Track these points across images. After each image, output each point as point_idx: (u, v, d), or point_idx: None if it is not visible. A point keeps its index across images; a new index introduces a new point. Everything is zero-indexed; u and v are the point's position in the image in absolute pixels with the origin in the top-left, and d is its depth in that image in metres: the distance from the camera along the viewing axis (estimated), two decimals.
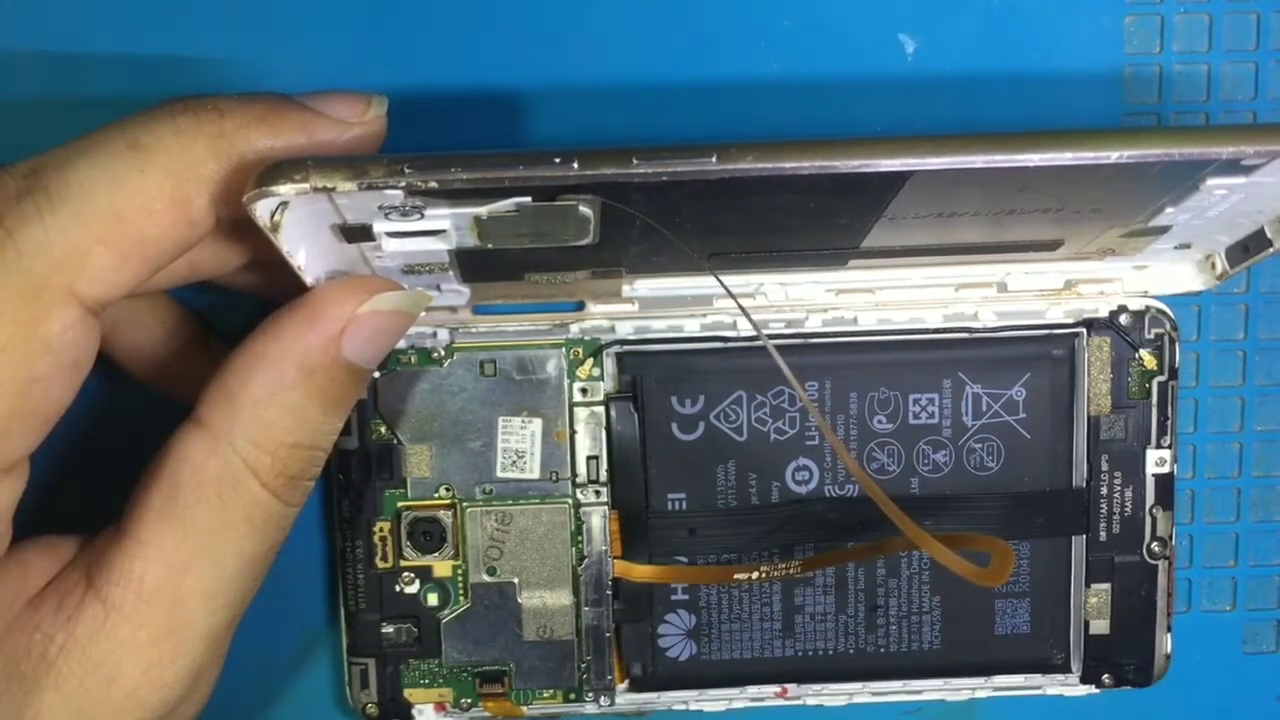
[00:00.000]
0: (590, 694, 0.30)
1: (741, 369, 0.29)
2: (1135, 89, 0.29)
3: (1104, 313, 0.29)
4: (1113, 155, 0.20)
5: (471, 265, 0.25)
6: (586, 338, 0.29)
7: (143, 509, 0.22)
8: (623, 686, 0.30)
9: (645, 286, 0.28)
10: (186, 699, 0.23)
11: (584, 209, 0.22)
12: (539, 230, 0.22)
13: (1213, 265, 0.28)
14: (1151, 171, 0.21)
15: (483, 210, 0.21)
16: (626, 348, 0.29)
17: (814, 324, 0.29)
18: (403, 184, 0.19)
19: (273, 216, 0.20)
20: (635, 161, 0.19)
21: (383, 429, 0.29)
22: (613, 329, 0.29)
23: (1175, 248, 0.27)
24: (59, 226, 0.20)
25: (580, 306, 0.29)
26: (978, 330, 0.29)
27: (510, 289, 0.27)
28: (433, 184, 0.19)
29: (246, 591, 0.23)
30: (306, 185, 0.19)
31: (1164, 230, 0.26)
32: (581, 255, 0.24)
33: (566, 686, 0.30)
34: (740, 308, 0.25)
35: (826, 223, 0.24)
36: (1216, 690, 0.32)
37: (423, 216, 0.21)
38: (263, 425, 0.22)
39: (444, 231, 0.22)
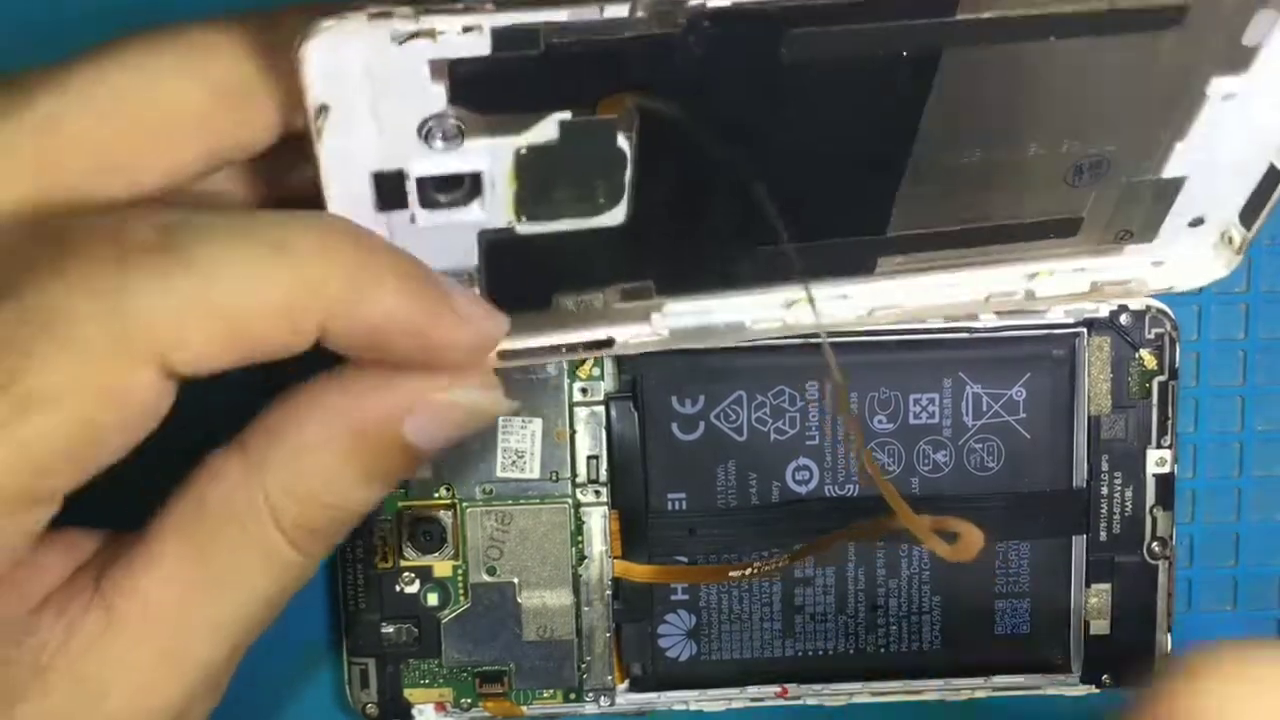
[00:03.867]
0: (590, 694, 0.30)
1: (742, 369, 0.29)
2: None
3: (1104, 313, 0.29)
4: None
5: (498, 277, 0.24)
6: (625, 354, 0.28)
7: (166, 522, 0.21)
8: (623, 686, 0.30)
9: (675, 310, 0.28)
10: None
11: (621, 139, 0.22)
12: (576, 181, 0.22)
13: (1229, 240, 0.27)
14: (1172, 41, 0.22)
15: (523, 140, 0.21)
16: (628, 345, 0.29)
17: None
18: (460, 6, 0.19)
19: (317, 120, 0.20)
20: None
21: None
22: None
23: (1190, 224, 0.27)
24: (176, 295, 0.19)
25: (610, 344, 0.27)
26: (978, 330, 0.29)
27: (538, 320, 0.27)
28: (489, 5, 0.19)
29: (252, 630, 0.23)
30: (362, 15, 0.19)
31: (1178, 187, 0.26)
32: (610, 254, 0.24)
33: (566, 687, 0.30)
34: (809, 296, 0.25)
35: (857, 169, 0.24)
36: None
37: (463, 143, 0.21)
38: (297, 474, 0.21)
39: (480, 181, 0.22)
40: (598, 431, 0.29)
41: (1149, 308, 0.29)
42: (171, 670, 0.21)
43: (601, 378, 0.29)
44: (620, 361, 0.29)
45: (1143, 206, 0.26)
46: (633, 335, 0.27)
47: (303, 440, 0.21)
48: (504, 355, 0.27)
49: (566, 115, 0.21)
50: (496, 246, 0.24)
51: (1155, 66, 0.23)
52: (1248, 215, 0.27)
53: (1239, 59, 0.23)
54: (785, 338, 0.28)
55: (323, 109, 0.20)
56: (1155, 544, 0.30)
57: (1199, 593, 0.32)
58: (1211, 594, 0.32)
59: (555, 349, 0.27)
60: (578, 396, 0.29)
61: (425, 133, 0.21)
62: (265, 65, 0.21)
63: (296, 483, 0.21)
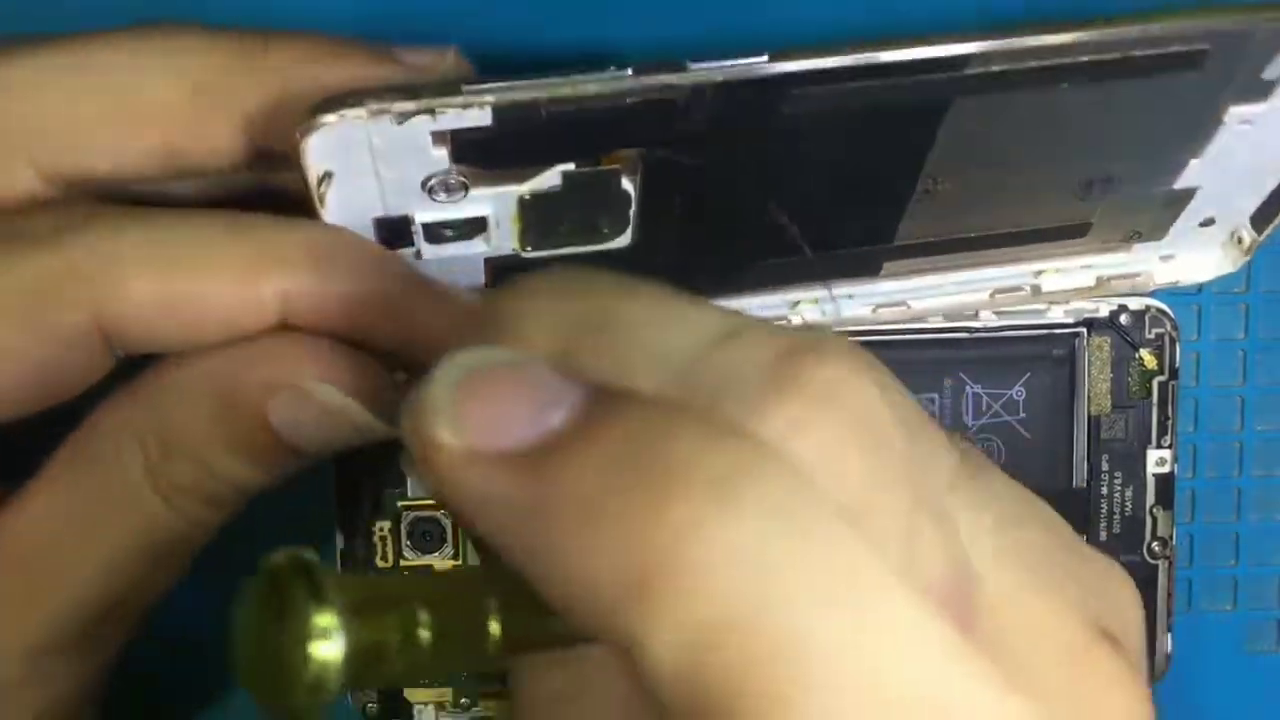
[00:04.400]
0: None
1: None
2: None
3: (1104, 312, 0.29)
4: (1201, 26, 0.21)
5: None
6: None
7: (48, 465, 0.21)
8: None
9: None
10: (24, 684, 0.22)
11: (625, 182, 0.22)
12: (579, 217, 0.22)
13: (1239, 240, 0.28)
14: (1192, 76, 0.22)
15: (526, 189, 0.21)
16: None
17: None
18: (459, 101, 0.19)
19: (319, 187, 0.20)
20: (690, 66, 0.20)
21: None
22: None
23: (1200, 224, 0.27)
24: (120, 241, 0.20)
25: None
26: (978, 330, 0.29)
27: None
28: (488, 100, 0.19)
29: (128, 583, 0.22)
30: (362, 110, 0.19)
31: (1190, 195, 0.26)
32: (617, 271, 0.24)
33: None
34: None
35: (865, 197, 0.24)
36: (1218, 690, 0.32)
37: (466, 195, 0.21)
38: (167, 423, 0.21)
39: (484, 222, 0.22)
40: None
41: (1149, 308, 0.29)
42: (33, 610, 0.21)
43: None
44: None
45: (1153, 213, 0.27)
46: None
47: (179, 390, 0.21)
48: None
49: (570, 167, 0.21)
50: (502, 270, 0.24)
51: (1171, 101, 0.23)
52: (1259, 220, 0.27)
53: (1258, 90, 0.23)
54: None
55: (325, 176, 0.20)
56: (1155, 544, 0.30)
57: (1199, 593, 0.31)
58: (1211, 594, 0.32)
59: None
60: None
61: (429, 188, 0.21)
62: (245, 85, 0.21)
63: (166, 431, 0.21)
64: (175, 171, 0.22)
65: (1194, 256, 0.28)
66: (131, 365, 0.22)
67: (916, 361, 0.29)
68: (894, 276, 0.27)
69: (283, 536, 0.30)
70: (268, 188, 0.23)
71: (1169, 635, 0.30)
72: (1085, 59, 0.21)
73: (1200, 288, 0.29)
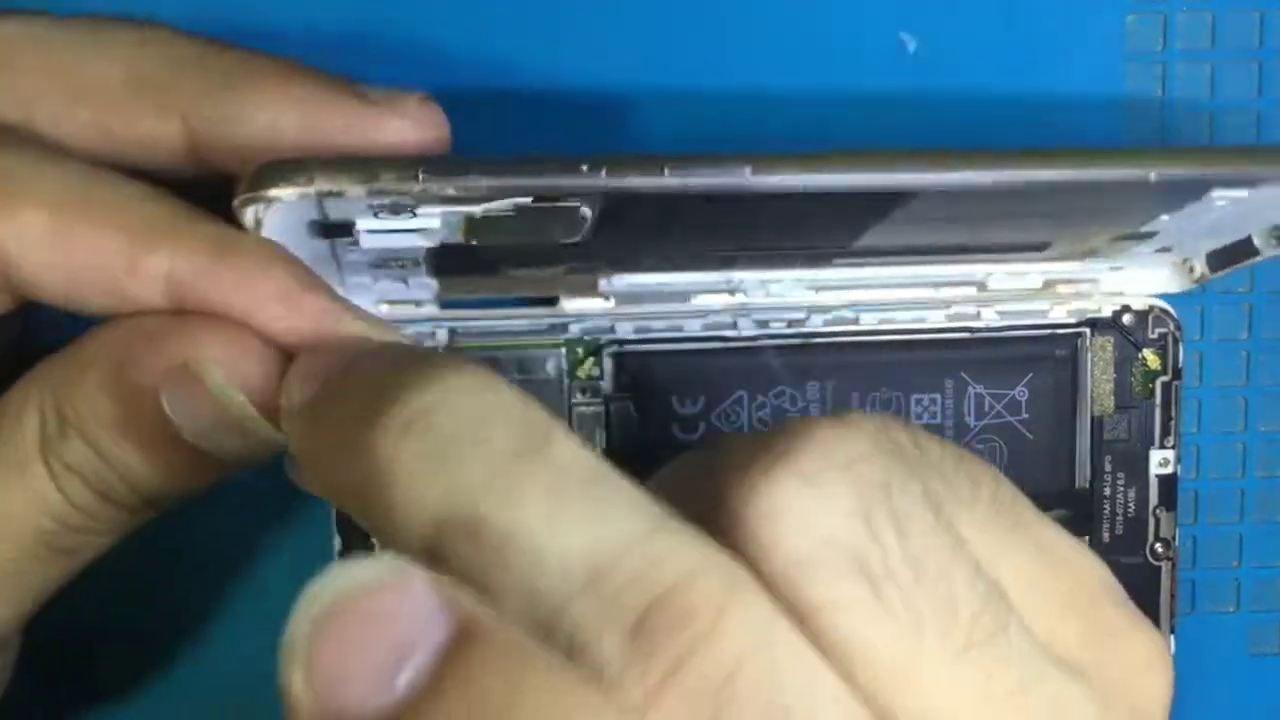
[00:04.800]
0: None
1: (742, 369, 0.29)
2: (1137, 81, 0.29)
3: (1107, 312, 0.29)
4: (1152, 174, 0.20)
5: (447, 261, 0.24)
6: (586, 337, 0.28)
7: None
8: None
9: (622, 282, 0.28)
10: None
11: (585, 210, 0.21)
12: (533, 228, 0.22)
13: (1190, 269, 0.28)
14: (1176, 187, 0.21)
15: (478, 209, 0.21)
16: (626, 347, 0.29)
17: (815, 324, 0.29)
18: (416, 189, 0.19)
19: (255, 214, 0.20)
20: (667, 172, 0.19)
21: None
22: (612, 329, 0.28)
23: (1156, 251, 0.27)
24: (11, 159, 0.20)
25: (554, 302, 0.28)
26: (980, 330, 0.29)
27: (482, 283, 0.27)
28: (449, 191, 0.19)
29: (21, 573, 0.21)
30: (311, 189, 0.18)
31: (1152, 235, 0.26)
32: (565, 252, 0.24)
33: None
34: None
35: (824, 224, 0.24)
36: (1221, 692, 0.32)
37: (415, 215, 0.21)
38: (65, 393, 0.20)
39: (432, 230, 0.22)
40: (598, 432, 0.29)
41: (1152, 307, 0.29)
42: None
43: (601, 378, 0.29)
44: (620, 362, 0.29)
45: (1113, 245, 0.27)
46: (577, 299, 0.27)
47: (78, 357, 0.20)
48: (446, 306, 0.27)
49: (526, 201, 0.20)
50: (444, 250, 0.23)
51: (1146, 193, 0.22)
52: (1215, 262, 0.27)
53: (1244, 184, 0.22)
54: (783, 339, 0.29)
55: (269, 202, 0.19)
56: (1158, 545, 0.29)
57: (1202, 594, 0.31)
58: (1215, 596, 0.31)
59: (498, 302, 0.27)
60: (577, 397, 0.29)
61: (375, 210, 0.20)
62: (188, 85, 0.21)
63: (62, 402, 0.20)
64: (112, 155, 0.21)
65: (1143, 273, 0.28)
66: None
67: (918, 362, 0.29)
68: (843, 266, 0.28)
69: (282, 537, 0.30)
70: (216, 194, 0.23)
71: (1172, 637, 0.30)
72: (1053, 179, 0.21)
73: (1204, 288, 0.29)
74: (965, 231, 0.25)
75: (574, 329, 0.28)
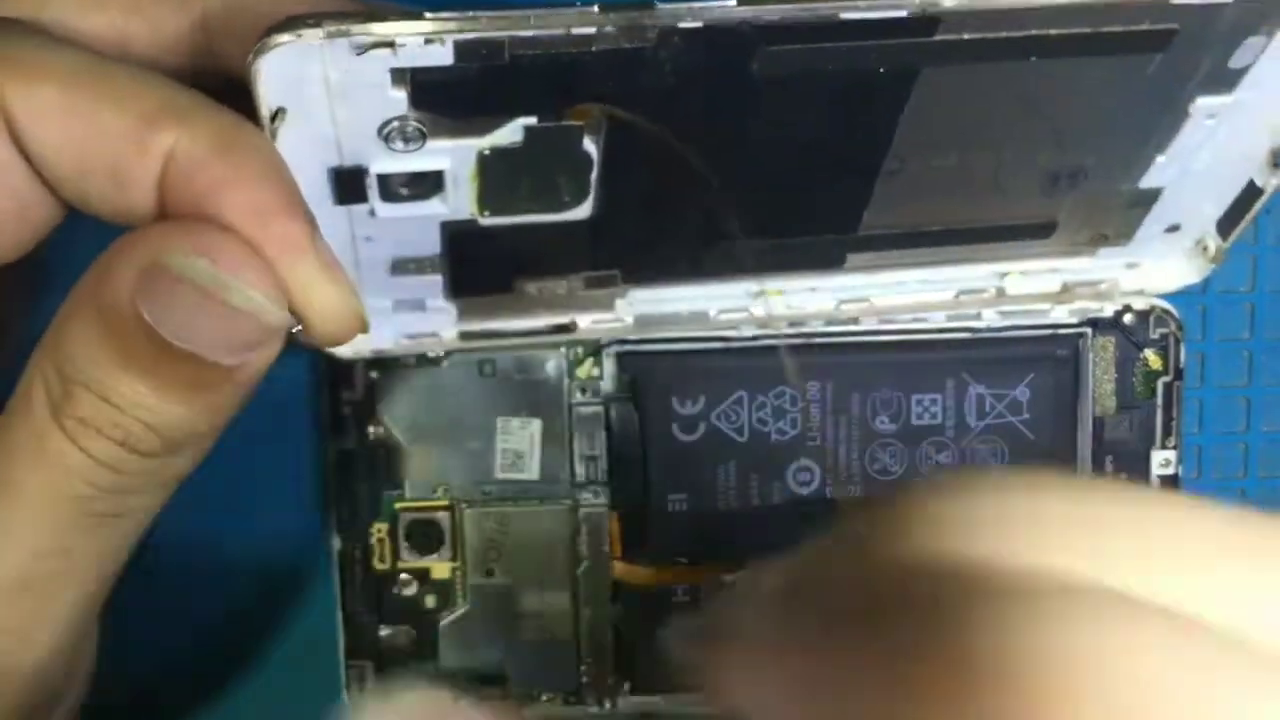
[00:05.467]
0: (590, 697, 0.30)
1: (743, 369, 0.29)
2: None
3: (1109, 313, 0.29)
4: None
5: (461, 265, 0.24)
6: (586, 337, 0.28)
7: None
8: (624, 689, 0.30)
9: (641, 298, 0.27)
10: None
11: (588, 142, 0.21)
12: (539, 179, 0.22)
13: (1204, 248, 0.28)
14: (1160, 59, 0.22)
15: (486, 142, 0.21)
16: (626, 348, 0.28)
17: (816, 324, 0.28)
18: (420, 28, 0.19)
19: (272, 123, 0.20)
20: (657, 5, 0.19)
21: (380, 430, 0.29)
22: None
23: (1166, 230, 0.27)
24: (29, 47, 0.20)
25: (571, 329, 0.27)
26: (981, 330, 0.29)
27: (499, 303, 0.26)
28: (451, 24, 0.19)
29: (41, 550, 0.20)
30: (319, 31, 0.18)
31: (1155, 196, 0.26)
32: (575, 246, 0.24)
33: (566, 689, 0.30)
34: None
35: (831, 171, 0.24)
36: None
37: (424, 145, 0.21)
38: (59, 352, 0.19)
39: (441, 178, 0.22)
40: (598, 432, 0.29)
41: (1153, 308, 0.29)
42: None
43: (601, 378, 0.29)
44: (620, 362, 0.29)
45: (1118, 213, 0.26)
46: (595, 320, 0.27)
47: (67, 311, 0.20)
48: (465, 336, 0.27)
49: (532, 121, 0.21)
50: (458, 236, 0.23)
51: (1139, 85, 0.23)
52: (1225, 226, 0.27)
53: (1225, 80, 0.23)
54: (782, 337, 0.28)
55: (279, 112, 0.19)
56: None
57: None
58: None
59: (516, 333, 0.27)
60: (577, 397, 0.29)
61: (386, 134, 0.20)
62: None
63: (61, 361, 0.19)
64: (125, 59, 0.21)
65: (1159, 264, 0.28)
66: None
67: (920, 362, 0.29)
68: (858, 270, 0.27)
69: (281, 537, 0.30)
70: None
71: None
72: (1054, 32, 0.21)
73: (1205, 288, 0.29)
74: (966, 201, 0.25)
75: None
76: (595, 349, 0.29)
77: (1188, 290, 0.28)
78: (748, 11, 0.19)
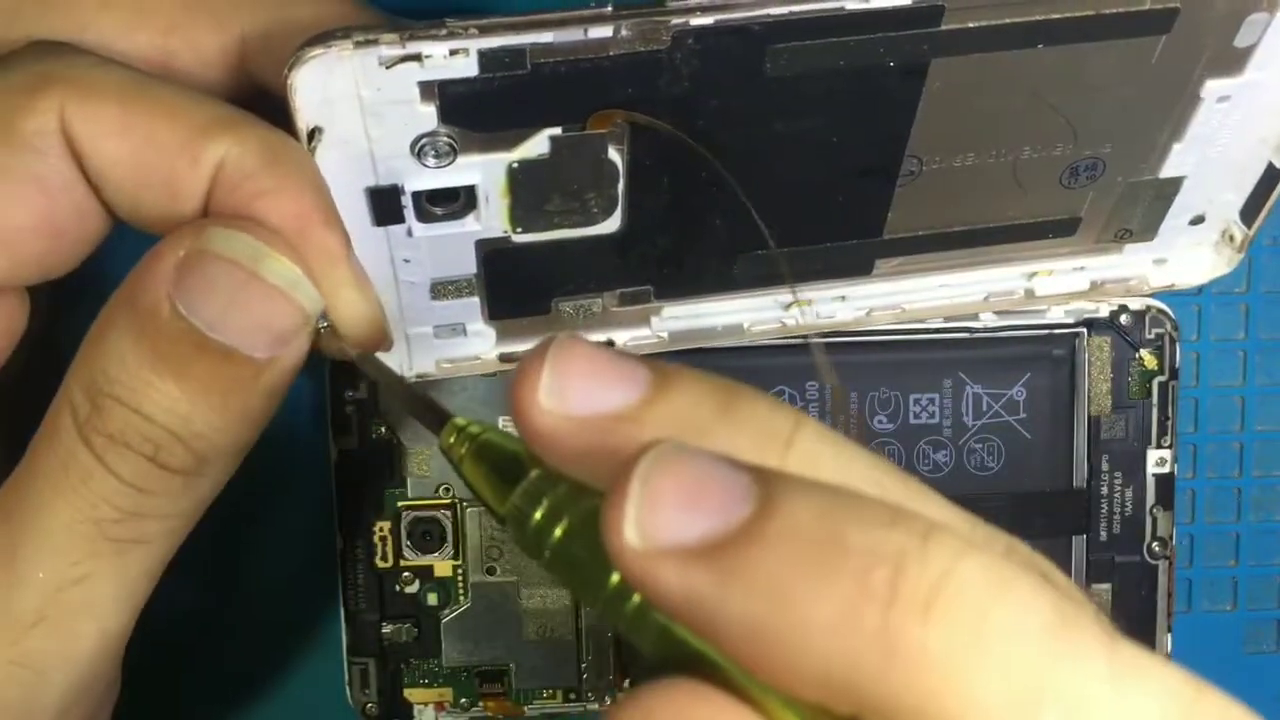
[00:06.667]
0: (591, 694, 0.30)
1: (743, 369, 0.29)
2: None
3: (1104, 313, 0.29)
4: None
5: (497, 286, 0.24)
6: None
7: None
8: (624, 686, 0.30)
9: (674, 314, 0.27)
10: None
11: (612, 151, 0.22)
12: (568, 192, 0.22)
13: (1230, 238, 0.27)
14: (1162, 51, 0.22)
15: (514, 156, 0.21)
16: (627, 348, 0.29)
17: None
18: (444, 32, 0.19)
19: (309, 142, 0.20)
20: (668, 3, 0.20)
21: (383, 429, 0.29)
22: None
23: (1190, 222, 0.27)
24: (90, 60, 0.20)
25: (610, 346, 0.27)
26: (978, 330, 0.29)
27: (537, 325, 0.27)
28: (473, 30, 0.19)
29: (66, 563, 0.20)
30: (348, 43, 0.19)
31: (1176, 186, 0.26)
32: (607, 262, 0.24)
33: (567, 686, 0.30)
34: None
35: (852, 175, 0.24)
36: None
37: (455, 159, 0.21)
38: (90, 367, 0.19)
39: (474, 194, 0.22)
40: None
41: (1149, 308, 0.29)
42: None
43: None
44: None
45: (1141, 206, 0.26)
46: (632, 338, 0.27)
47: (97, 330, 0.20)
48: (504, 359, 0.27)
49: (557, 131, 0.21)
50: (494, 255, 0.24)
51: (1147, 70, 0.23)
52: (1248, 213, 0.27)
53: (1232, 61, 0.23)
54: (784, 339, 0.29)
55: (315, 131, 0.20)
56: (1155, 544, 0.30)
57: (1199, 593, 0.31)
58: (1212, 594, 0.32)
59: None
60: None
61: (418, 150, 0.21)
62: (245, 3, 0.22)
63: (89, 377, 0.19)
64: (169, 75, 0.22)
65: (1187, 258, 0.28)
66: None
67: (917, 362, 0.29)
68: (886, 277, 0.27)
69: (281, 537, 0.30)
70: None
71: (1169, 635, 0.30)
72: (1058, 16, 0.21)
73: (1200, 288, 0.29)
74: (989, 198, 0.25)
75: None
76: None
77: (1183, 291, 0.29)
78: (754, 6, 0.20)
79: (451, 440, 0.17)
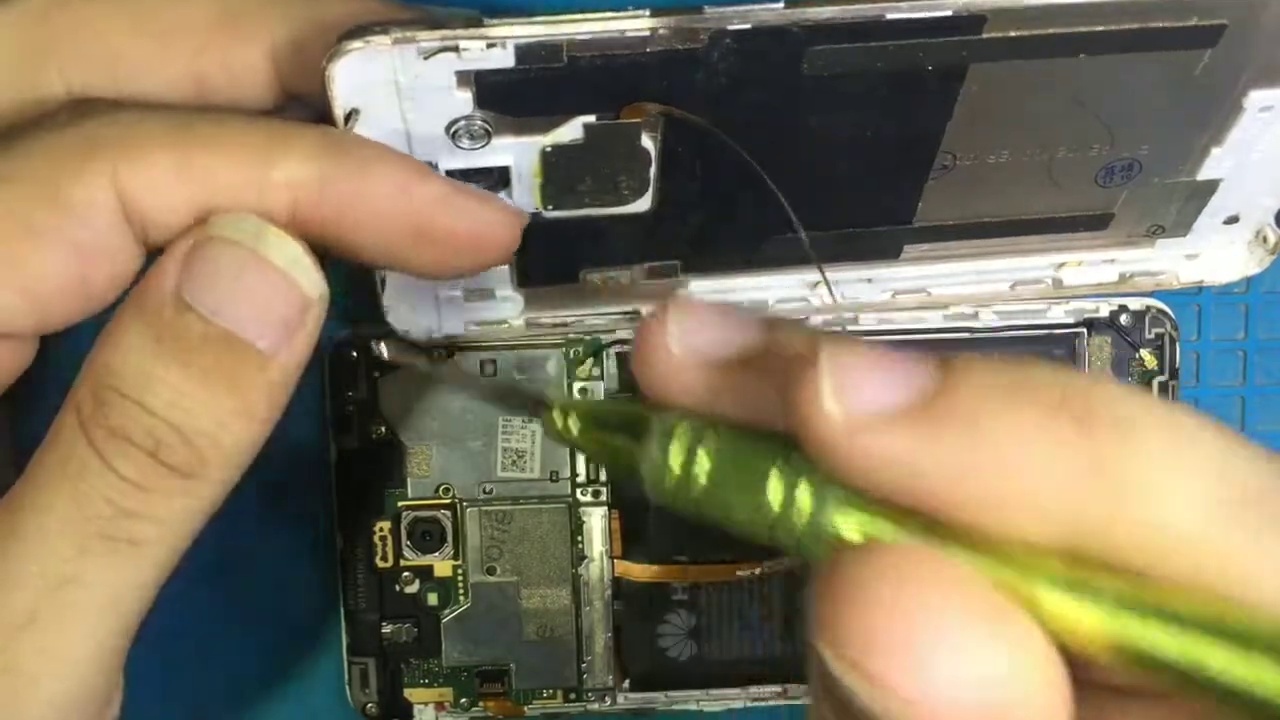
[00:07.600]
0: (591, 694, 0.30)
1: None
2: None
3: (1104, 313, 0.29)
4: None
5: (527, 255, 0.25)
6: (586, 337, 0.29)
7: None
8: (623, 686, 0.30)
9: (700, 287, 0.28)
10: None
11: (645, 139, 0.22)
12: (600, 174, 0.22)
13: (1264, 239, 0.27)
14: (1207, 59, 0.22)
15: (548, 140, 0.22)
16: (627, 347, 0.29)
17: (815, 322, 0.29)
18: (481, 34, 0.20)
19: (346, 124, 0.21)
20: (706, 9, 0.20)
21: (383, 429, 0.29)
22: (614, 329, 0.29)
23: (1224, 222, 0.27)
24: (134, 116, 0.20)
25: (636, 314, 0.28)
26: (978, 330, 0.29)
27: (565, 293, 0.27)
28: (510, 36, 0.20)
29: (64, 565, 0.20)
30: (387, 39, 0.19)
31: (1213, 188, 0.26)
32: (636, 238, 0.24)
33: (567, 686, 0.30)
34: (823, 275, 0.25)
35: (884, 168, 0.24)
36: None
37: (489, 142, 0.22)
38: (97, 365, 0.20)
39: (507, 173, 0.22)
40: None
41: (1149, 308, 0.29)
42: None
43: (601, 377, 0.29)
44: (621, 361, 0.29)
45: (1176, 204, 0.26)
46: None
47: (105, 343, 0.20)
48: (531, 325, 0.27)
49: (591, 119, 0.22)
50: (525, 228, 0.24)
51: (1190, 81, 0.23)
52: None
53: (1277, 73, 0.23)
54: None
55: (352, 113, 0.21)
56: None
57: None
58: None
59: (582, 318, 0.28)
60: (578, 396, 0.29)
61: (453, 133, 0.22)
62: (275, 14, 0.21)
63: (92, 371, 0.19)
64: (202, 99, 0.22)
65: (1219, 255, 0.28)
66: None
67: None
68: (914, 262, 0.27)
69: (281, 537, 0.30)
70: None
71: None
72: (1102, 28, 0.21)
73: (1200, 289, 0.29)
74: (1021, 191, 0.25)
75: (575, 329, 0.29)
76: (596, 348, 0.29)
77: (1183, 291, 0.29)
78: (795, 13, 0.20)
79: (562, 420, 0.18)
